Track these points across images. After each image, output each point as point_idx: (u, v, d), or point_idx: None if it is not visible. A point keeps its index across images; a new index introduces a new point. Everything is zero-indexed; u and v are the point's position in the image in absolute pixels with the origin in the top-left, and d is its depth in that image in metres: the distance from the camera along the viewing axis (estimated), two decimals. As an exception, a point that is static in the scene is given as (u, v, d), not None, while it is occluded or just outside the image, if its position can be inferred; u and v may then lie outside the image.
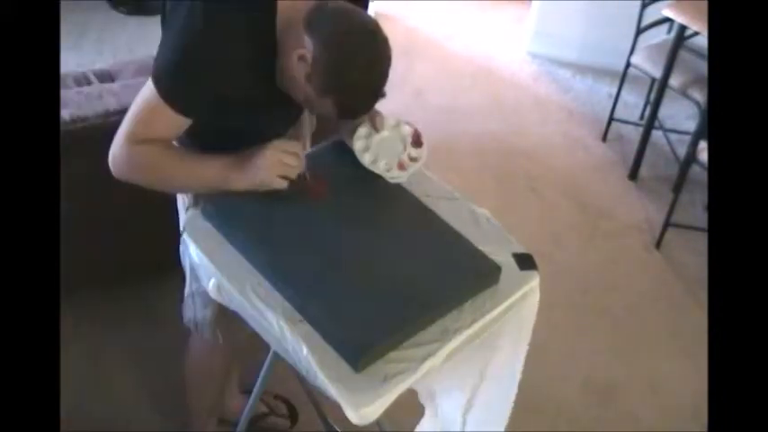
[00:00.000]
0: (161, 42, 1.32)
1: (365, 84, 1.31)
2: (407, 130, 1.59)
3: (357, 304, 1.32)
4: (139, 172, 1.37)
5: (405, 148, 1.57)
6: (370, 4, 4.28)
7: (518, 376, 1.52)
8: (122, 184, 1.39)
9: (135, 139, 1.33)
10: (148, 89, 1.30)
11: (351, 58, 1.27)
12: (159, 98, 1.29)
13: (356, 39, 1.28)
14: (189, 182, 1.42)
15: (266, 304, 1.31)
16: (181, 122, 1.33)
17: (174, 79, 1.30)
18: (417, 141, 1.58)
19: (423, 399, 1.34)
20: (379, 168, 1.52)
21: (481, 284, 1.40)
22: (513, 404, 1.56)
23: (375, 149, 1.54)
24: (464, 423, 1.45)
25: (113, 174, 1.36)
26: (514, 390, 1.54)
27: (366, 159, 1.52)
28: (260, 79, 1.35)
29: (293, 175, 1.40)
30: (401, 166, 1.54)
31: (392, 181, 1.52)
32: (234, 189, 1.39)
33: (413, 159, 1.56)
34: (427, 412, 1.35)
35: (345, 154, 1.60)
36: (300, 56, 1.28)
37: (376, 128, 1.54)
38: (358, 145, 1.53)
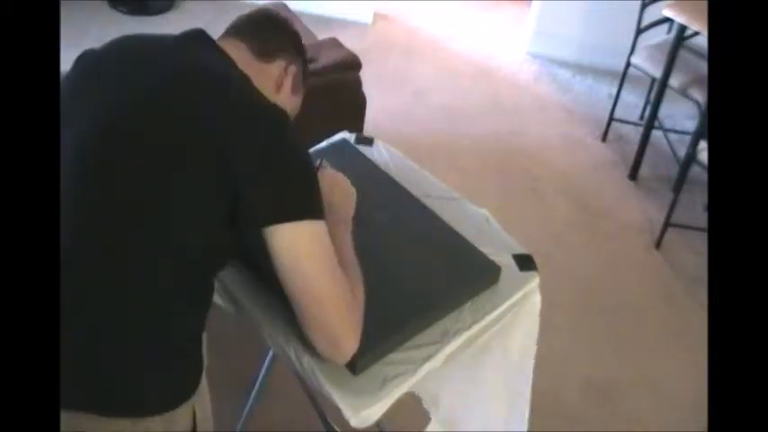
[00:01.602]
0: (271, 177, 1.10)
1: None
2: None
3: (357, 305, 1.31)
4: (362, 311, 1.19)
5: None
6: (371, 5, 4.29)
7: (529, 377, 1.52)
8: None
9: (353, 300, 1.15)
10: (305, 238, 1.10)
11: (298, 36, 1.40)
12: (321, 223, 1.12)
13: (285, 22, 1.39)
14: (354, 262, 1.26)
15: (266, 305, 1.31)
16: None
17: (315, 191, 1.16)
18: None
19: (427, 405, 1.33)
20: None
21: (481, 285, 1.40)
22: (529, 406, 1.55)
23: None
24: (474, 426, 1.44)
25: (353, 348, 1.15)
26: (528, 390, 1.53)
27: None
28: None
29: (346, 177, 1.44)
30: None
31: None
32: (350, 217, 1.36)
33: None
34: (433, 419, 1.35)
35: (345, 154, 1.60)
36: (281, 82, 1.33)
37: None
38: None
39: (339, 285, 1.13)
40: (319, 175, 1.26)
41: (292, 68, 1.35)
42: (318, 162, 1.42)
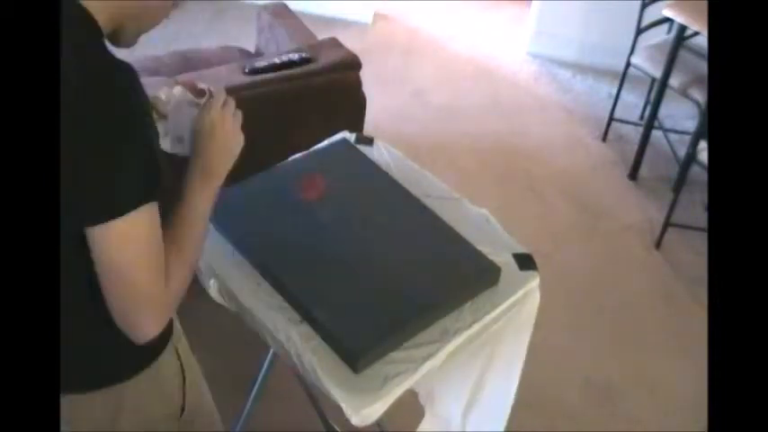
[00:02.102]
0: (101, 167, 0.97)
1: None
2: (179, 90, 1.28)
3: (356, 305, 1.32)
4: (181, 295, 1.13)
5: (195, 105, 1.25)
6: (371, 4, 4.29)
7: (518, 377, 1.53)
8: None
9: (161, 289, 1.06)
10: (119, 229, 0.98)
11: None
12: (145, 208, 1.00)
13: None
14: (204, 232, 1.18)
15: (266, 305, 1.31)
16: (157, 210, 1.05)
17: (147, 174, 1.01)
18: (197, 90, 1.28)
19: (423, 400, 1.34)
20: (172, 143, 1.26)
21: (481, 285, 1.40)
22: (512, 404, 1.56)
23: (173, 130, 1.26)
24: (464, 424, 1.46)
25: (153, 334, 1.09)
26: (514, 390, 1.54)
27: (168, 145, 1.26)
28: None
29: (240, 119, 1.22)
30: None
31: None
32: (223, 178, 1.19)
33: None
34: (427, 413, 1.36)
35: (345, 155, 1.60)
36: None
37: (159, 112, 1.27)
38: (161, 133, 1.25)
39: (150, 276, 1.04)
40: (205, 106, 1.17)
41: None
42: (207, 89, 1.23)
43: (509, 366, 1.50)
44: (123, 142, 0.97)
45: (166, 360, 1.22)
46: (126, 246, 1.01)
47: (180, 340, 1.27)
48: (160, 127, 1.25)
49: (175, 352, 1.24)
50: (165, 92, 1.29)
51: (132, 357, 1.17)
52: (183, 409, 1.27)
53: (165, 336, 1.20)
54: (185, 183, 1.16)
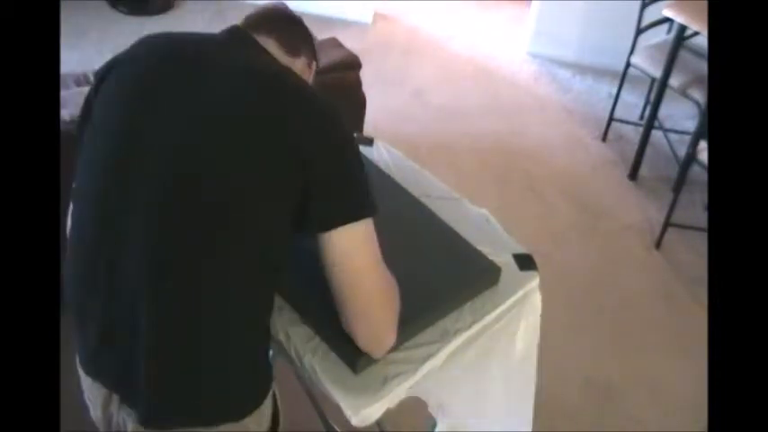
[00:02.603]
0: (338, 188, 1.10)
1: None
2: None
3: (357, 304, 1.31)
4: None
5: None
6: (371, 4, 4.29)
7: (533, 376, 1.52)
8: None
9: (391, 289, 1.16)
10: (357, 236, 1.10)
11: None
12: (369, 220, 1.12)
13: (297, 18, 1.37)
14: None
15: (266, 304, 1.31)
16: None
17: (370, 186, 1.15)
18: None
19: (434, 411, 1.33)
20: None
21: (481, 286, 1.40)
22: (533, 406, 1.55)
23: None
24: (480, 426, 1.44)
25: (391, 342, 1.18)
26: (532, 390, 1.53)
27: None
28: None
29: None
30: None
31: None
32: None
33: None
34: (439, 424, 1.35)
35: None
36: (307, 73, 1.32)
37: None
38: None
39: (385, 281, 1.15)
40: None
41: (314, 64, 1.34)
42: None
43: (520, 367, 1.49)
44: (358, 155, 1.14)
45: (267, 405, 1.20)
46: (364, 247, 1.11)
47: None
48: None
49: (273, 396, 1.22)
50: None
51: (248, 395, 1.16)
52: None
53: (268, 379, 1.21)
54: None
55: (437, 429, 1.35)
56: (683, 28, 2.94)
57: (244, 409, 1.15)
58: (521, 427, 1.54)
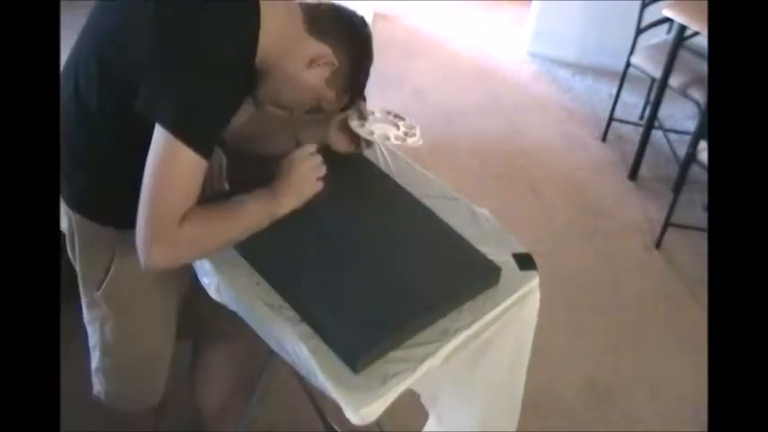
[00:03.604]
0: (159, 82, 1.16)
1: (369, 73, 1.42)
2: (385, 113, 1.65)
3: (356, 305, 1.31)
4: (191, 252, 1.26)
5: (397, 127, 1.62)
6: (371, 4, 4.29)
7: (523, 376, 1.52)
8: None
9: (173, 221, 1.16)
10: (165, 146, 1.14)
11: (368, 53, 1.39)
12: (186, 148, 1.14)
13: (364, 34, 1.38)
14: (239, 234, 1.29)
15: (266, 305, 1.31)
16: (203, 169, 1.19)
17: (201, 118, 1.17)
18: (398, 116, 1.66)
19: (426, 402, 1.34)
20: (380, 137, 1.55)
21: (481, 286, 1.40)
22: (520, 405, 1.56)
23: (371, 127, 1.56)
24: (470, 424, 1.45)
25: (156, 269, 1.22)
26: (521, 390, 1.54)
27: (367, 132, 1.53)
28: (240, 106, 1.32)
29: (323, 172, 1.37)
30: (404, 136, 1.60)
31: (399, 143, 1.57)
32: (281, 215, 1.32)
33: (408, 130, 1.63)
34: (431, 416, 1.35)
35: (345, 155, 1.60)
36: (317, 62, 1.30)
37: (365, 116, 1.55)
38: (355, 124, 1.54)
39: (171, 202, 1.16)
40: (294, 151, 1.34)
41: (333, 59, 1.31)
42: (364, 113, 1.53)
43: (512, 367, 1.50)
44: (223, 86, 1.17)
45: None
46: (163, 162, 1.13)
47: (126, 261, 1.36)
48: (358, 122, 1.53)
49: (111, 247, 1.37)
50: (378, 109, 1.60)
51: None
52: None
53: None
54: (251, 192, 1.28)
55: (428, 422, 1.35)
56: (682, 28, 2.94)
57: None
58: (508, 426, 1.55)
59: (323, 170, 1.37)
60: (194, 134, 1.14)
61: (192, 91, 1.14)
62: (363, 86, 1.43)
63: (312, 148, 1.38)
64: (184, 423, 1.98)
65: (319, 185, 1.36)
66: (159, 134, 1.14)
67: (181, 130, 1.13)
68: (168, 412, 1.78)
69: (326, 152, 1.44)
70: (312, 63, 1.30)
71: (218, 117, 1.19)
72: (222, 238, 1.27)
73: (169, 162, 1.14)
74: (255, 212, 1.28)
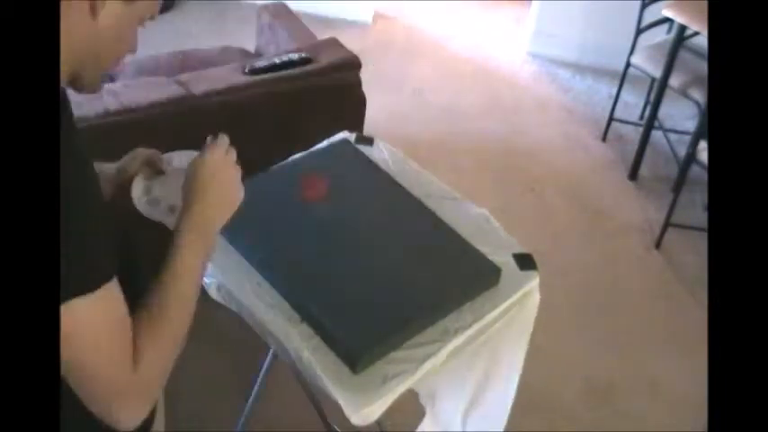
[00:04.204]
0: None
1: None
2: (188, 154, 1.22)
3: (357, 305, 1.32)
4: (163, 377, 1.00)
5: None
6: (371, 4, 4.29)
7: (517, 377, 1.53)
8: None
9: (129, 373, 0.93)
10: (75, 314, 0.86)
11: None
12: (93, 294, 0.87)
13: None
14: (189, 294, 1.02)
15: (266, 305, 1.31)
16: (117, 288, 0.92)
17: (101, 257, 0.90)
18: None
19: (423, 400, 1.34)
20: (161, 211, 1.19)
21: (481, 285, 1.40)
22: (512, 404, 1.56)
23: (157, 191, 1.22)
24: (464, 424, 1.46)
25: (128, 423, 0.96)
26: (513, 390, 1.54)
27: (156, 212, 1.19)
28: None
29: (240, 171, 1.11)
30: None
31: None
32: (218, 232, 1.07)
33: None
34: (428, 413, 1.36)
35: (345, 155, 1.60)
36: (96, 2, 0.91)
37: (159, 169, 1.23)
38: (136, 189, 1.21)
39: (109, 363, 0.92)
40: (207, 149, 1.08)
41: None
42: (209, 138, 1.12)
43: (509, 366, 1.50)
44: (74, 219, 0.86)
45: None
46: (75, 333, 0.88)
47: None
48: (142, 186, 1.20)
49: None
50: (187, 156, 1.20)
51: None
52: None
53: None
54: (173, 239, 1.01)
55: (424, 421, 1.36)
56: (683, 28, 2.94)
57: None
58: (496, 426, 1.55)
59: (239, 168, 1.11)
60: (92, 273, 0.88)
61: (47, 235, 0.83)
62: None
63: (226, 141, 1.11)
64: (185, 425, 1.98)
65: (242, 191, 1.10)
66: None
67: (79, 286, 0.86)
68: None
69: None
70: (94, 8, 0.92)
71: (99, 223, 0.90)
72: (180, 328, 1.01)
73: (89, 325, 0.89)
74: (195, 260, 1.02)
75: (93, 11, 0.92)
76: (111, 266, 0.90)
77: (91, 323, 0.89)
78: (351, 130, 1.80)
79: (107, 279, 0.89)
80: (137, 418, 0.96)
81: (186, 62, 2.59)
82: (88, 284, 0.87)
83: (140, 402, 0.97)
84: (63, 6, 0.89)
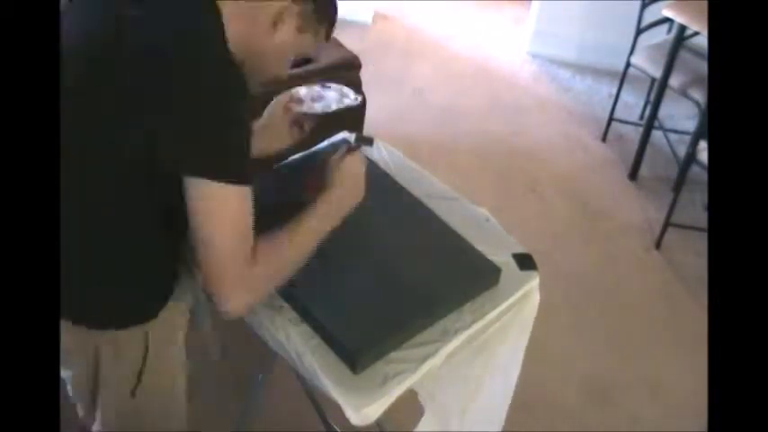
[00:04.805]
0: (165, 129, 1.06)
1: None
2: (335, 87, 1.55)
3: (357, 306, 1.32)
4: (268, 289, 1.25)
5: (339, 92, 1.54)
6: (371, 4, 4.29)
7: (515, 377, 1.53)
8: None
9: (245, 266, 1.13)
10: (209, 194, 1.08)
11: None
12: (232, 187, 1.08)
13: None
14: (305, 255, 1.26)
15: (266, 304, 1.31)
16: (250, 196, 1.13)
17: (242, 155, 1.10)
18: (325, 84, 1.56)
19: (423, 400, 1.34)
20: (324, 107, 1.48)
21: (481, 285, 1.40)
22: (509, 404, 1.56)
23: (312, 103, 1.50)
24: (463, 423, 1.46)
25: (238, 316, 1.19)
26: (511, 390, 1.54)
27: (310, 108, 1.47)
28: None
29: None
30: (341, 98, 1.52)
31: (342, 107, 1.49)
32: (342, 217, 1.33)
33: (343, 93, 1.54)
34: (427, 412, 1.35)
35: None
36: (282, 20, 1.18)
37: (299, 98, 1.52)
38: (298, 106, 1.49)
39: (237, 248, 1.12)
40: (346, 158, 1.33)
41: (295, 7, 1.18)
42: (347, 143, 1.42)
43: (508, 366, 1.50)
44: (236, 120, 1.08)
45: (129, 336, 1.24)
46: (216, 212, 1.09)
47: (160, 329, 1.28)
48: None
49: (145, 340, 1.26)
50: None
51: (111, 310, 1.23)
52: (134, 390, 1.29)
53: (144, 309, 1.25)
54: (315, 204, 1.28)
55: (423, 420, 1.36)
56: (683, 28, 2.94)
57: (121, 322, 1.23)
58: (494, 426, 1.55)
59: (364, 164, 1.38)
60: (233, 169, 1.08)
61: (207, 123, 1.06)
62: (335, 9, 1.27)
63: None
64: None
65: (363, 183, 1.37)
66: (196, 185, 1.07)
67: (221, 173, 1.07)
68: None
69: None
70: (276, 24, 1.17)
71: (244, 134, 1.10)
72: (291, 267, 1.24)
73: (219, 209, 1.09)
74: (320, 223, 1.28)
75: (275, 25, 1.17)
76: (251, 173, 1.12)
77: (232, 209, 1.10)
78: (351, 129, 1.79)
79: (250, 181, 1.10)
80: (239, 309, 1.16)
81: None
82: (243, 179, 1.09)
83: (246, 295, 1.16)
84: (253, 8, 1.13)
